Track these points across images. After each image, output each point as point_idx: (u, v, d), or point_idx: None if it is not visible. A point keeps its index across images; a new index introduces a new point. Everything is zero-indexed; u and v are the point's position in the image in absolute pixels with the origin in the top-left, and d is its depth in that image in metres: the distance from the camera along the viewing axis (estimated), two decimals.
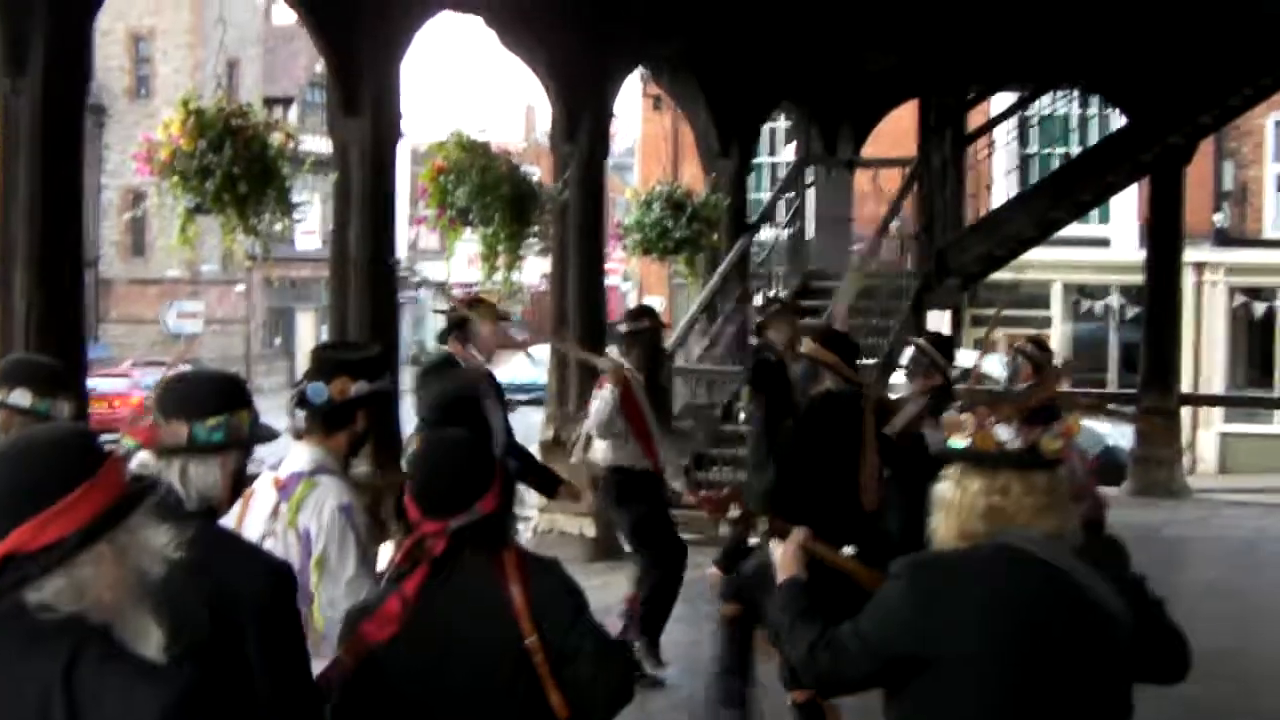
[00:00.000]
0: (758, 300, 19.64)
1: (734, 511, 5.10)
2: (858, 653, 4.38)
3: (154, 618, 3.09)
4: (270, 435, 4.74)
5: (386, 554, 5.79)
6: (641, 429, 10.78)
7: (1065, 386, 10.15)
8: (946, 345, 10.73)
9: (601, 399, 10.83)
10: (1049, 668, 4.18)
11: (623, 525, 11.33)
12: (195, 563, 4.02)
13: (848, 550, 5.03)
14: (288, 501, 5.57)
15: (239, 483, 4.50)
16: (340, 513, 5.52)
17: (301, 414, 5.73)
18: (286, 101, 58.62)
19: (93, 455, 3.10)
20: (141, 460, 4.30)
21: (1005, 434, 4.32)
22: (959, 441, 4.38)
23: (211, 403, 4.48)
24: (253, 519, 5.73)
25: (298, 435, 5.83)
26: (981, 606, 4.21)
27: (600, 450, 11.00)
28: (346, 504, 5.55)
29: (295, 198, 10.63)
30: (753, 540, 5.20)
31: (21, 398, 5.94)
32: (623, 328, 11.12)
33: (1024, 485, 4.29)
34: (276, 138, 10.41)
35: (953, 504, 4.37)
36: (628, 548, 11.40)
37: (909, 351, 11.26)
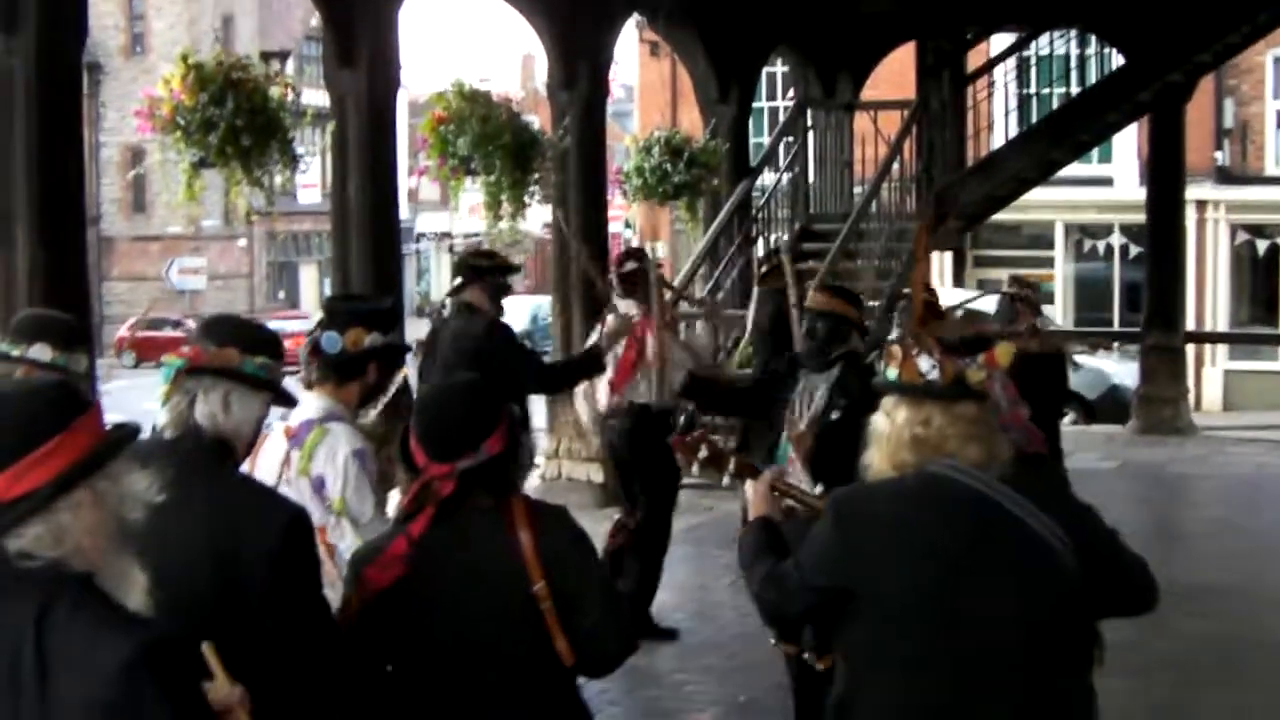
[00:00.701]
0: (759, 249, 19.67)
1: (703, 453, 5.11)
2: (795, 587, 4.43)
3: (136, 563, 3.11)
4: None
5: (395, 501, 5.85)
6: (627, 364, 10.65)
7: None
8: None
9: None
10: (974, 594, 4.18)
11: (638, 467, 11.08)
12: (206, 509, 4.04)
13: (818, 490, 5.05)
14: (300, 449, 5.60)
15: (260, 425, 4.51)
16: (354, 458, 5.57)
17: (314, 363, 5.77)
18: (283, 55, 58.43)
19: (69, 405, 3.11)
20: (186, 386, 4.32)
21: (925, 364, 4.34)
22: (892, 372, 4.41)
23: (260, 343, 4.52)
24: (263, 467, 5.76)
25: (308, 385, 5.87)
26: (903, 535, 4.24)
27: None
28: (360, 449, 5.59)
29: (297, 150, 10.63)
30: (724, 481, 5.20)
31: (41, 352, 5.95)
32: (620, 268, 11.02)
33: (947, 416, 4.30)
34: (277, 90, 10.40)
35: (883, 435, 4.41)
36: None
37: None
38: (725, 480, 5.15)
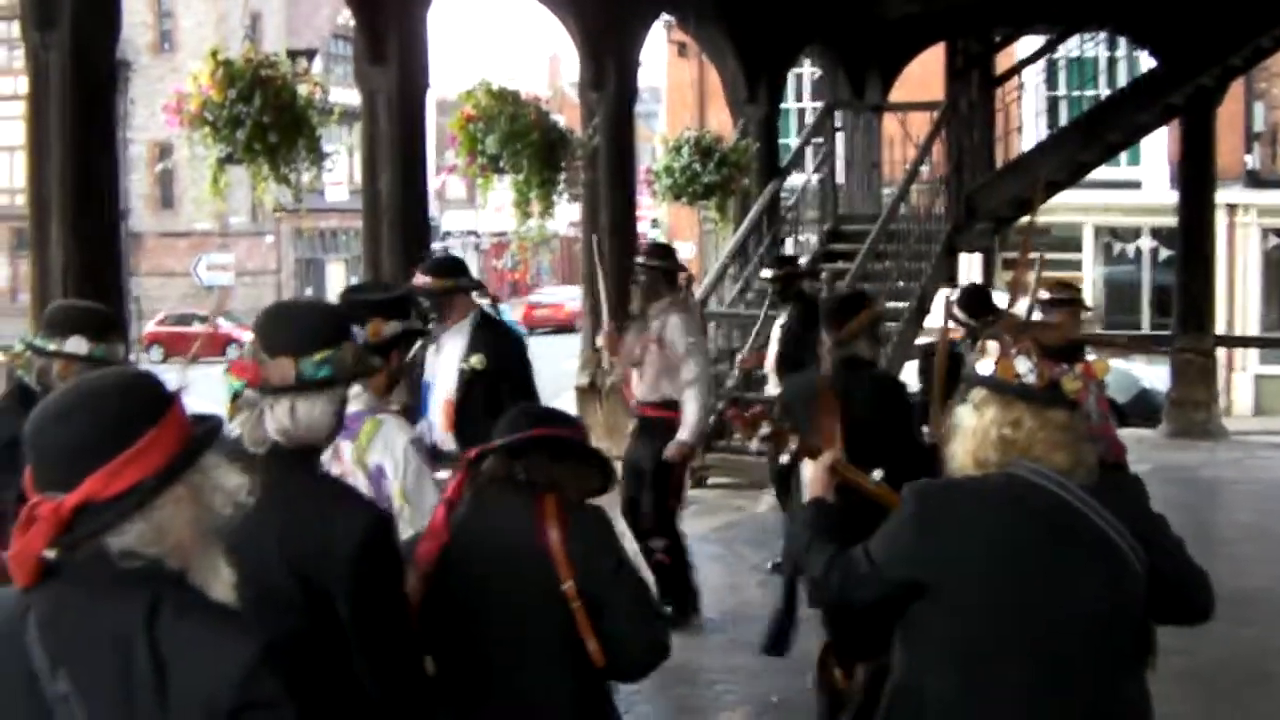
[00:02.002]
0: (787, 250, 19.64)
1: (764, 429, 5.07)
2: (864, 575, 4.39)
3: (224, 558, 3.07)
4: (374, 368, 4.71)
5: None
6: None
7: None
8: (980, 298, 10.60)
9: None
10: (1046, 595, 4.17)
11: (647, 463, 11.10)
12: (289, 509, 4.01)
13: (877, 474, 5.02)
14: (353, 442, 5.58)
15: (341, 417, 4.39)
16: (412, 446, 5.58)
17: None
18: (310, 53, 58.29)
19: (159, 397, 3.06)
20: (247, 398, 4.21)
21: (1023, 367, 4.31)
22: (986, 367, 4.38)
23: (317, 337, 4.30)
24: None
25: None
26: (981, 534, 4.23)
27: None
28: (416, 438, 5.64)
29: (324, 147, 10.64)
30: (783, 458, 5.17)
31: (78, 345, 5.94)
32: (639, 260, 11.00)
33: (1037, 420, 4.28)
34: (305, 88, 10.41)
35: (969, 430, 4.39)
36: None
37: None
38: (784, 458, 5.11)
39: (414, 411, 8.09)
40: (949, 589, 4.22)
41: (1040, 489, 4.22)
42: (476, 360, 8.82)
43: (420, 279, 8.64)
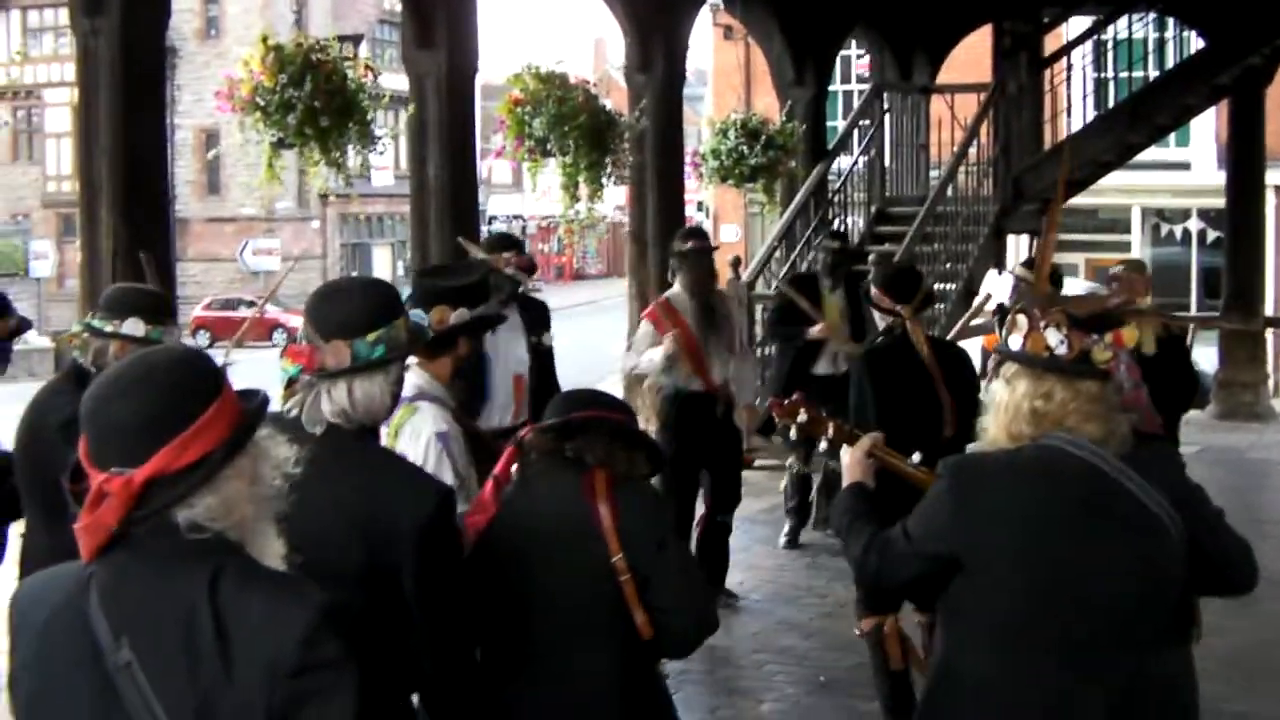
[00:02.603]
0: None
1: (802, 416, 5.07)
2: (903, 552, 4.42)
3: (276, 530, 3.12)
4: (425, 337, 4.73)
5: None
6: (692, 351, 10.65)
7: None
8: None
9: (638, 337, 10.80)
10: (1083, 567, 4.17)
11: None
12: (356, 484, 4.05)
13: (915, 458, 5.02)
14: (387, 426, 5.61)
15: (398, 393, 4.42)
16: (436, 439, 5.55)
17: None
18: (356, 39, 58.62)
19: (215, 373, 3.11)
20: (305, 382, 4.22)
21: (1054, 338, 4.31)
22: (1016, 340, 4.38)
23: (370, 317, 4.29)
24: None
25: None
26: (1016, 506, 4.23)
27: (656, 379, 10.87)
28: (443, 431, 5.57)
29: (375, 131, 10.67)
30: (821, 446, 5.17)
31: (134, 327, 5.99)
32: (676, 246, 10.98)
33: (1069, 391, 4.29)
34: (356, 71, 10.44)
35: (1002, 404, 4.40)
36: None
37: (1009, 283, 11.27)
38: (822, 445, 5.12)
39: (473, 395, 8.03)
40: (983, 563, 4.23)
41: (1075, 459, 4.23)
42: (547, 336, 8.99)
43: (512, 258, 8.74)
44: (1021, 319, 4.38)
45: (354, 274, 62.31)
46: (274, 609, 2.93)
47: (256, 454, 3.09)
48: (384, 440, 5.55)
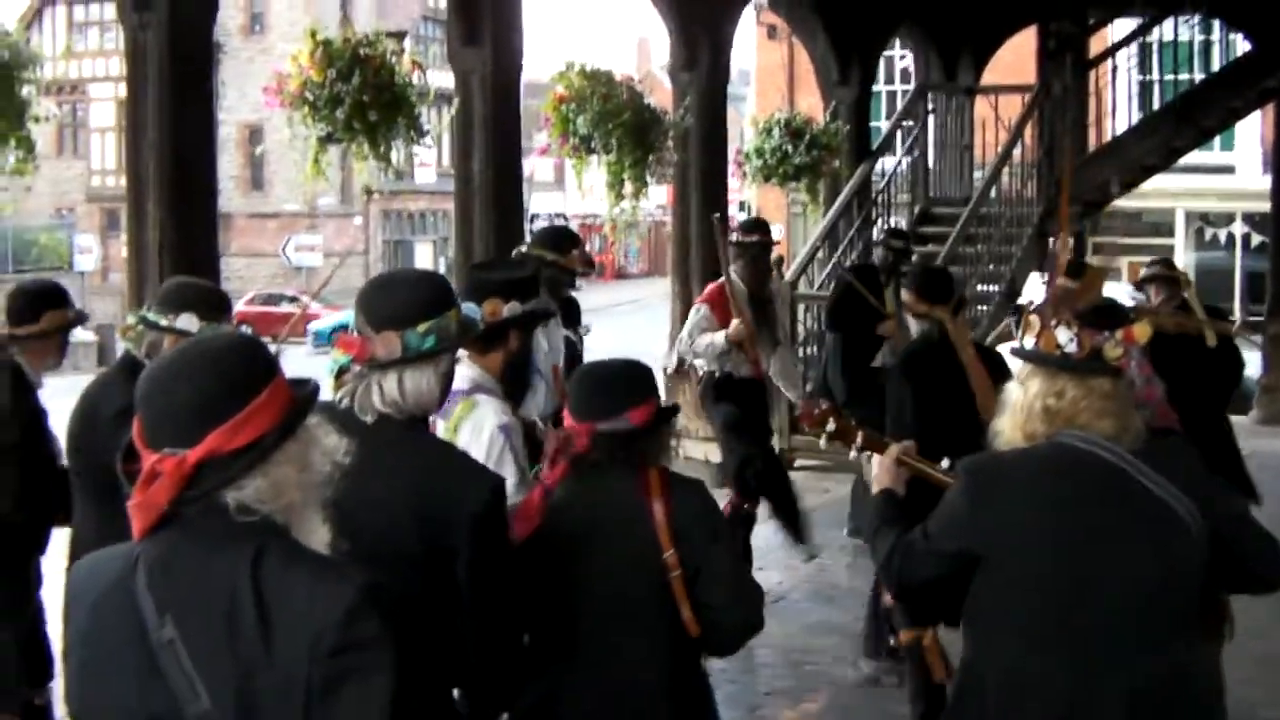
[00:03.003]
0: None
1: (831, 425, 5.08)
2: (924, 553, 4.46)
3: (322, 516, 3.16)
4: (476, 328, 4.72)
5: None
6: (747, 338, 10.66)
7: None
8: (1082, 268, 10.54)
9: (694, 319, 10.84)
10: (1101, 563, 4.20)
11: (714, 422, 11.25)
12: (410, 473, 4.08)
13: (945, 464, 5.04)
14: (446, 421, 5.62)
15: (448, 384, 4.44)
16: (500, 432, 5.56)
17: None
18: (400, 35, 58.78)
19: (269, 358, 3.17)
20: (356, 373, 4.26)
21: (1064, 337, 4.34)
22: (1030, 341, 4.40)
23: (421, 309, 4.31)
24: None
25: None
26: (1034, 503, 4.26)
27: (704, 363, 10.97)
28: (505, 424, 5.58)
29: (424, 125, 10.71)
30: (852, 455, 5.18)
31: (189, 322, 6.03)
32: (734, 237, 11.06)
33: (1081, 389, 4.33)
34: (404, 66, 10.47)
35: (1015, 403, 4.45)
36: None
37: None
38: (853, 454, 5.14)
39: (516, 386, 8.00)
40: (1002, 560, 4.27)
41: (1089, 455, 4.26)
42: (584, 330, 9.06)
43: (572, 252, 8.82)
44: (1034, 319, 4.42)
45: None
46: (315, 589, 2.96)
47: (307, 440, 3.14)
48: (441, 433, 5.59)
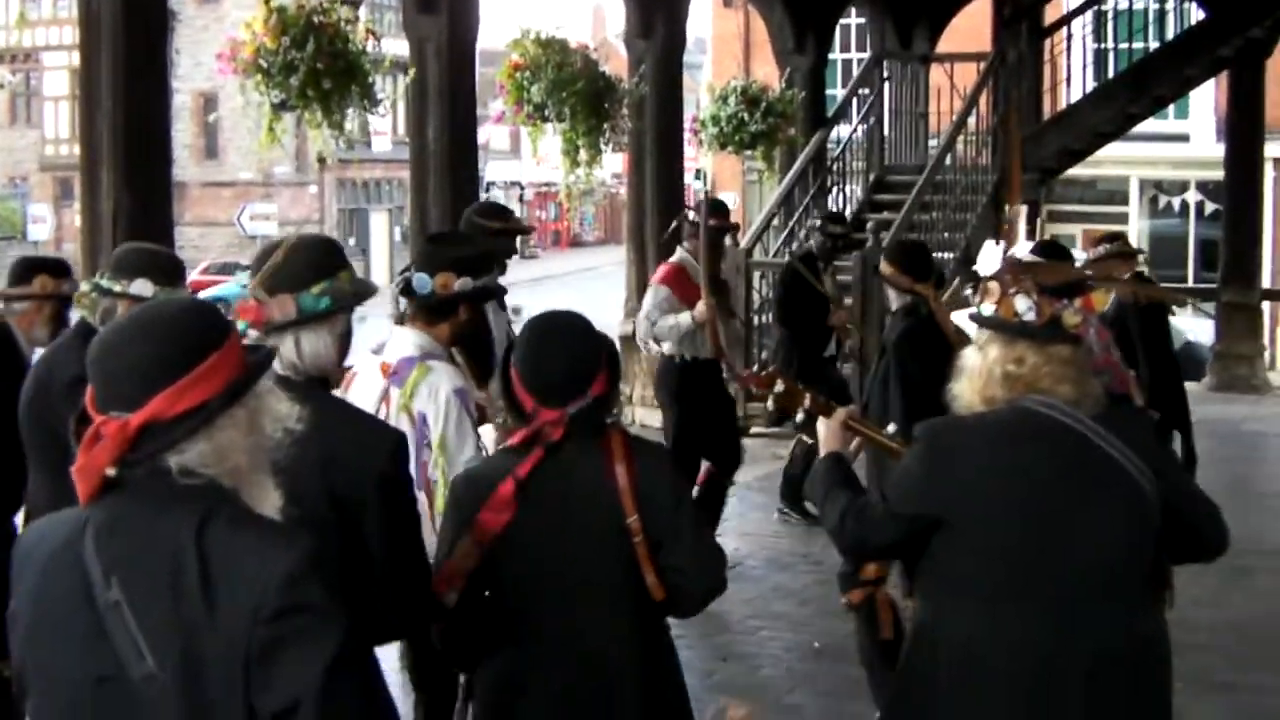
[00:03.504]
0: (833, 201, 19.63)
1: (779, 387, 5.07)
2: (881, 517, 4.47)
3: (273, 482, 3.17)
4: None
5: (488, 437, 5.89)
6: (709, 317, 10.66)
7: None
8: (1059, 253, 10.53)
9: (655, 300, 10.76)
10: (1062, 526, 4.23)
11: (667, 420, 11.21)
12: (314, 434, 4.09)
13: (891, 428, 5.07)
14: (400, 387, 5.64)
15: (346, 345, 4.52)
16: (455, 395, 5.60)
17: (405, 301, 5.82)
18: (356, 3, 58.34)
19: (221, 324, 3.16)
20: (253, 338, 4.27)
21: (1023, 305, 4.37)
22: (989, 308, 4.44)
23: (313, 270, 4.43)
24: (358, 402, 5.81)
25: (399, 321, 5.92)
26: (996, 467, 4.29)
27: (669, 346, 10.87)
28: (461, 388, 5.62)
29: (377, 94, 10.65)
30: (798, 417, 5.17)
31: (143, 288, 6.01)
32: (692, 216, 10.96)
33: (1040, 356, 4.36)
34: (357, 34, 10.41)
35: (974, 369, 4.48)
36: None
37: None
38: (799, 416, 5.13)
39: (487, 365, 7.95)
40: (962, 524, 4.28)
41: (1048, 419, 4.29)
42: (513, 309, 8.99)
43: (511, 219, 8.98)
44: (994, 285, 4.45)
45: (351, 240, 62.35)
46: (258, 553, 2.96)
47: (256, 406, 3.13)
48: (396, 399, 5.61)
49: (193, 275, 51.67)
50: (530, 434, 4.50)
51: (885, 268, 8.41)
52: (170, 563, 2.95)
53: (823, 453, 4.93)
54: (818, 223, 13.32)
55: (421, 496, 5.60)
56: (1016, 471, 4.27)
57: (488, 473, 4.58)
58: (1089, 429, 4.27)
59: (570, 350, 4.60)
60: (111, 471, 3.00)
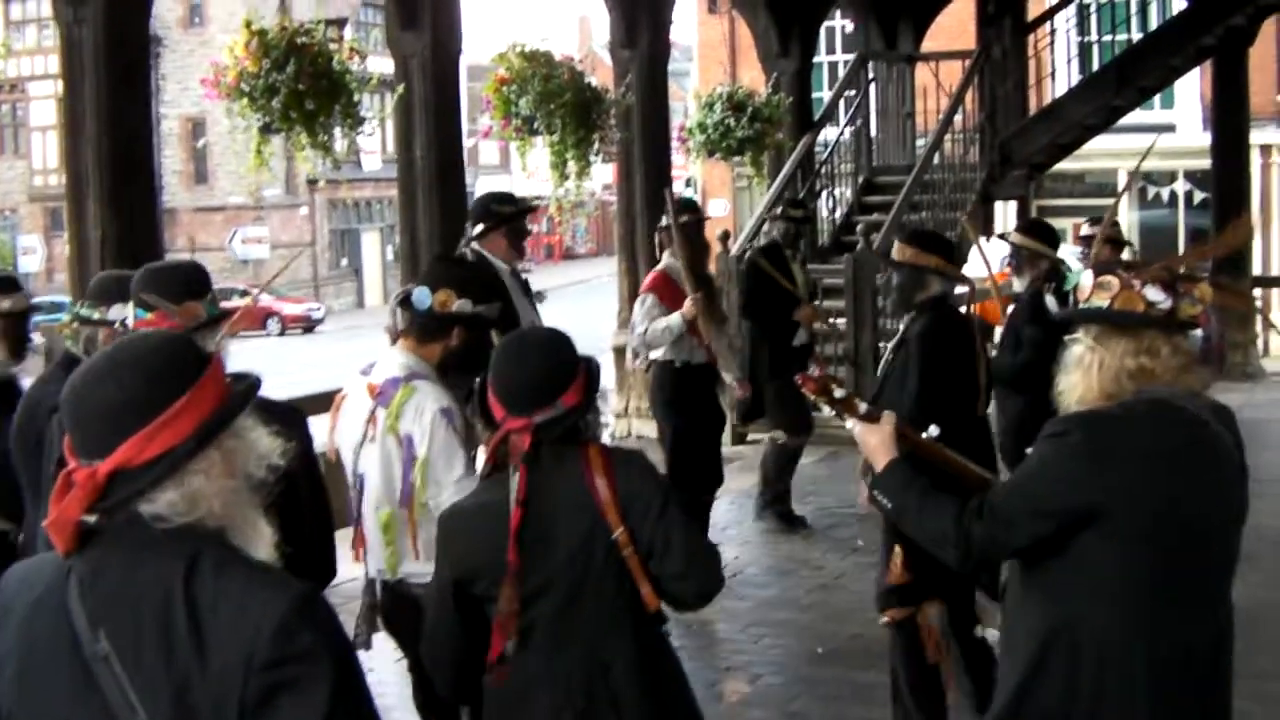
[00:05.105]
0: (823, 203, 19.61)
1: (839, 392, 4.93)
2: (1025, 514, 4.33)
3: (264, 518, 3.08)
4: (226, 312, 5.44)
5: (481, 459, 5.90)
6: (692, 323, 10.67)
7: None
8: (1045, 231, 10.49)
9: (644, 309, 10.76)
10: (1204, 515, 4.25)
11: (664, 431, 11.15)
12: None
13: (933, 431, 4.98)
14: (386, 407, 5.64)
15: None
16: (442, 416, 5.60)
17: (403, 314, 5.83)
18: (340, 22, 58.42)
19: (192, 361, 3.03)
20: None
21: (1156, 295, 4.32)
22: (1100, 302, 4.39)
23: (203, 283, 5.40)
24: (347, 423, 5.83)
25: (395, 336, 5.93)
26: (1152, 456, 4.23)
27: (661, 352, 10.87)
28: (447, 407, 5.62)
29: (362, 112, 10.65)
30: (848, 424, 5.01)
31: (120, 313, 5.98)
32: (664, 221, 10.95)
33: (1170, 346, 4.30)
34: (341, 54, 10.42)
35: (1095, 363, 4.37)
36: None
37: (1003, 250, 10.95)
38: (851, 424, 4.96)
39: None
40: (1125, 517, 4.21)
41: (1185, 411, 4.27)
42: (537, 296, 9.28)
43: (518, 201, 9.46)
44: (1110, 279, 4.37)
45: (344, 261, 62.31)
46: (247, 600, 2.89)
47: (234, 446, 3.03)
48: (383, 421, 5.64)
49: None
50: (497, 442, 4.52)
51: (909, 252, 7.77)
52: (158, 612, 2.88)
53: (882, 461, 4.74)
54: (778, 211, 13.37)
55: (403, 513, 5.65)
56: (1166, 462, 4.24)
57: (471, 508, 4.65)
58: (1210, 421, 4.30)
59: (540, 361, 4.63)
60: (90, 519, 2.92)
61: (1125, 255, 10.22)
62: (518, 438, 4.51)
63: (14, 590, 3.11)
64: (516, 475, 4.49)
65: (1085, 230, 11.25)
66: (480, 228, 9.21)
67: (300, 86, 9.97)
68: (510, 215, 9.20)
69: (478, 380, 4.70)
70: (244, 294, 49.73)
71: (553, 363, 4.63)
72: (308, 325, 54.06)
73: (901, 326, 7.97)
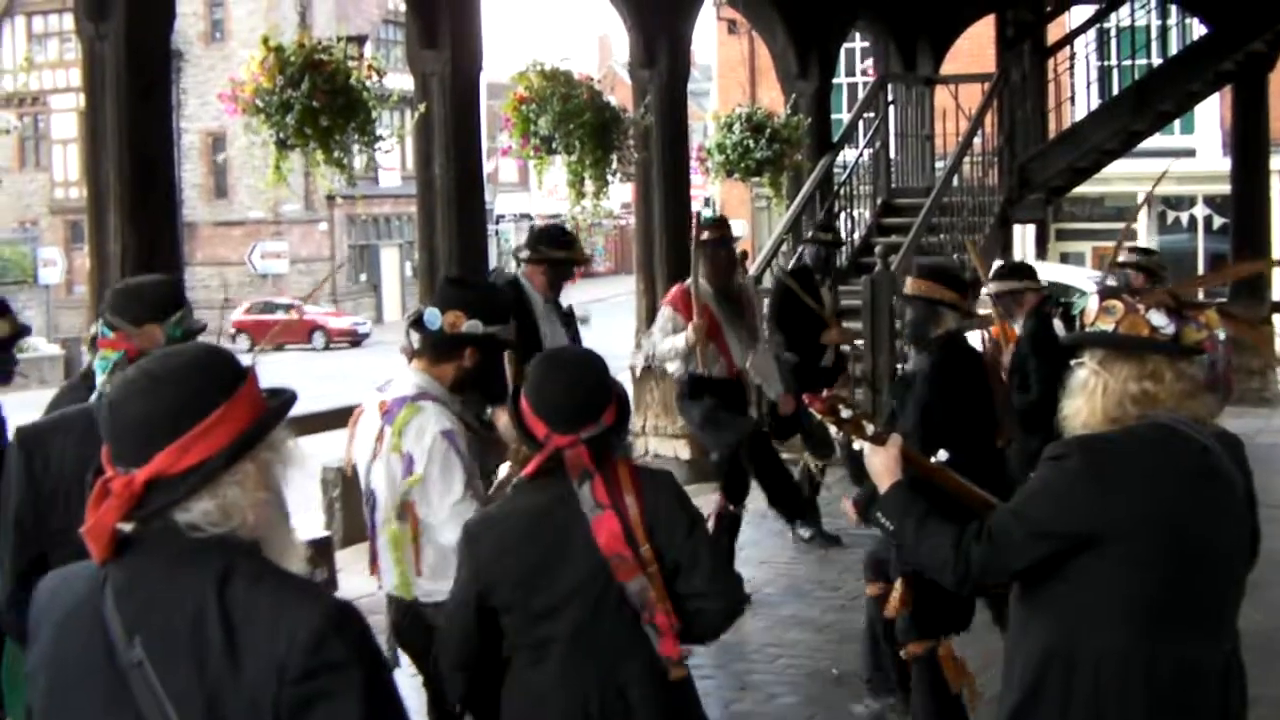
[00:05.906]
0: (841, 225, 19.62)
1: (845, 413, 4.94)
2: (1023, 537, 4.34)
3: (295, 532, 3.13)
4: (202, 326, 5.45)
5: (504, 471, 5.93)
6: (714, 336, 10.78)
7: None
8: (1016, 268, 10.67)
9: (660, 323, 10.89)
10: (1207, 541, 4.25)
11: (693, 420, 11.24)
12: None
13: (942, 455, 4.99)
14: (391, 425, 5.66)
15: None
16: (442, 437, 5.61)
17: (416, 335, 5.85)
18: (360, 40, 58.40)
19: (232, 373, 3.08)
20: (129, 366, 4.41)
21: (1160, 320, 4.33)
22: (1105, 326, 4.39)
23: (168, 303, 5.30)
24: (360, 441, 5.84)
25: (410, 357, 5.95)
26: (1153, 480, 4.24)
27: (674, 367, 11.00)
28: (449, 429, 5.63)
29: (379, 130, 10.67)
30: (856, 445, 5.02)
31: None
32: (694, 235, 11.04)
33: (1174, 372, 4.33)
34: (360, 71, 10.44)
35: (1098, 387, 4.39)
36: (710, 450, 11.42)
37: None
38: (859, 445, 4.97)
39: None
40: (1125, 537, 4.22)
41: (1187, 436, 4.27)
42: (580, 318, 9.51)
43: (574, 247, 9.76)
44: (1115, 304, 4.38)
45: (363, 277, 62.34)
46: (281, 611, 2.92)
47: (269, 458, 3.09)
48: (389, 438, 5.66)
49: (236, 314, 52.21)
50: (545, 457, 4.54)
51: (922, 286, 7.81)
52: (193, 621, 2.91)
53: (886, 483, 4.77)
54: (808, 234, 13.41)
55: (407, 529, 5.66)
56: (1171, 486, 4.25)
57: (501, 515, 4.71)
58: (1214, 447, 4.30)
59: (582, 378, 4.71)
60: (126, 528, 2.96)
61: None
62: (573, 453, 4.55)
63: (45, 604, 3.14)
64: (585, 487, 4.53)
65: (1123, 257, 11.28)
66: (527, 254, 9.76)
67: (315, 103, 9.99)
68: (556, 260, 9.72)
69: (509, 397, 4.76)
70: (289, 308, 49.99)
71: (593, 381, 4.72)
72: (354, 339, 54.05)
73: (911, 363, 8.02)
